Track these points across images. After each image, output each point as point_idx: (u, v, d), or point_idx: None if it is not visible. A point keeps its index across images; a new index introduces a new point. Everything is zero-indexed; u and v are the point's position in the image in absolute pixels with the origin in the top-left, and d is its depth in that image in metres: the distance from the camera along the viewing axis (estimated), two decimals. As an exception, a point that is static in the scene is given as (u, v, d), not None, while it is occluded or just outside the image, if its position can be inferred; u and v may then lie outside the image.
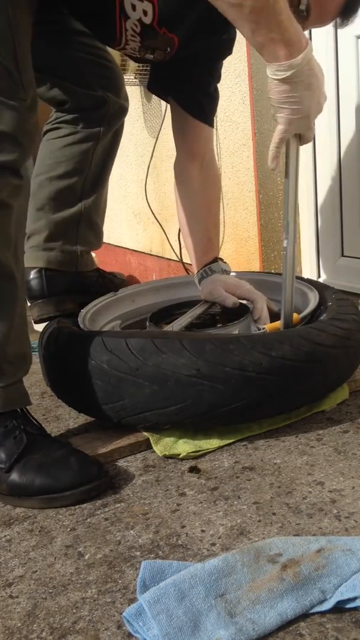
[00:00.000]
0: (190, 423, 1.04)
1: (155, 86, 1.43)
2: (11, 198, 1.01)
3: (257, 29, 0.98)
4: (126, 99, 1.63)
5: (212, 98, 1.43)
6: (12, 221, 1.03)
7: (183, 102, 1.38)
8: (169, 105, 1.44)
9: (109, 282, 1.74)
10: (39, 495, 0.95)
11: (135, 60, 1.34)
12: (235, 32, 1.38)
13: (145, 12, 1.14)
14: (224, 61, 1.42)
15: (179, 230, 1.94)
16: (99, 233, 1.72)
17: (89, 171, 1.61)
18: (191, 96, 1.38)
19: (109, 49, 1.46)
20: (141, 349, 1.03)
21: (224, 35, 1.32)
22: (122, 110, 1.62)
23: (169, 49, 1.24)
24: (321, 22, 1.20)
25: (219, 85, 1.44)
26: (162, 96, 1.45)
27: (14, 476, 0.96)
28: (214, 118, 1.45)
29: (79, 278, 1.67)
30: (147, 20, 1.15)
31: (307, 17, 1.15)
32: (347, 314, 1.17)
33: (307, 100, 1.03)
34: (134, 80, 2.07)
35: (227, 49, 1.39)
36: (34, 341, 1.20)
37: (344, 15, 1.17)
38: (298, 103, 1.03)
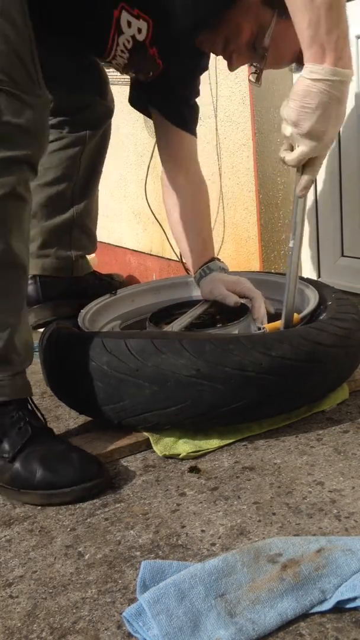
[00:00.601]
0: (190, 423, 1.04)
1: (137, 101, 1.45)
2: (27, 192, 1.03)
3: (317, 23, 0.92)
4: (112, 101, 1.64)
5: (192, 109, 1.45)
6: (27, 214, 1.04)
7: (166, 112, 1.41)
8: None
9: (107, 284, 1.74)
10: (40, 489, 0.96)
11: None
12: (209, 56, 1.40)
13: (139, 30, 1.17)
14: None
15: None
16: (92, 237, 1.72)
17: (78, 176, 1.62)
18: (173, 107, 1.40)
19: None
20: (141, 349, 1.03)
21: (201, 60, 1.36)
22: (108, 112, 1.63)
23: (151, 73, 1.28)
24: (277, 65, 1.24)
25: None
26: (145, 111, 1.46)
27: (17, 466, 0.97)
28: (195, 128, 1.47)
29: (75, 282, 1.67)
30: (141, 37, 1.18)
31: (262, 59, 1.19)
32: (347, 313, 1.17)
33: (322, 117, 0.96)
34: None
35: (203, 68, 1.42)
36: (35, 342, 1.20)
37: (300, 62, 1.09)
38: (313, 111, 0.96)
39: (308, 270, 1.93)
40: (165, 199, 1.47)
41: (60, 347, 1.14)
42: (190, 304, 1.43)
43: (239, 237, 1.93)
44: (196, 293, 1.46)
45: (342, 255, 1.83)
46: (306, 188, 1.08)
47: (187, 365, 1.00)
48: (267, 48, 1.17)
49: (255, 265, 1.88)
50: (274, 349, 1.02)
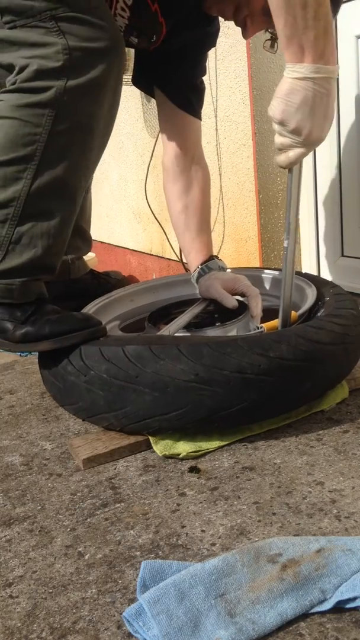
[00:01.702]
0: (192, 427, 1.04)
1: (140, 80, 1.43)
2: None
3: (294, 23, 0.92)
4: None
5: (198, 90, 1.42)
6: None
7: (170, 94, 1.38)
8: None
9: (105, 283, 1.74)
10: (51, 338, 1.12)
11: None
12: (219, 24, 1.37)
13: None
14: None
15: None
16: (86, 238, 1.72)
17: None
18: (178, 89, 1.38)
19: None
20: (138, 356, 1.03)
21: (209, 27, 1.32)
22: None
23: (154, 37, 1.24)
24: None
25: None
26: (149, 91, 1.44)
27: (28, 327, 1.13)
28: (201, 111, 1.44)
29: (72, 284, 1.67)
30: None
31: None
32: (345, 308, 1.17)
33: (308, 113, 0.96)
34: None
35: (211, 41, 1.39)
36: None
37: None
38: (297, 109, 0.96)
39: (308, 271, 1.94)
40: (165, 185, 1.44)
41: (61, 354, 1.14)
42: (188, 302, 1.43)
43: (238, 237, 1.93)
44: (195, 292, 1.46)
45: (342, 255, 1.83)
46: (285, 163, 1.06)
47: (186, 370, 1.00)
48: None
49: (255, 265, 1.88)
50: (272, 350, 1.02)
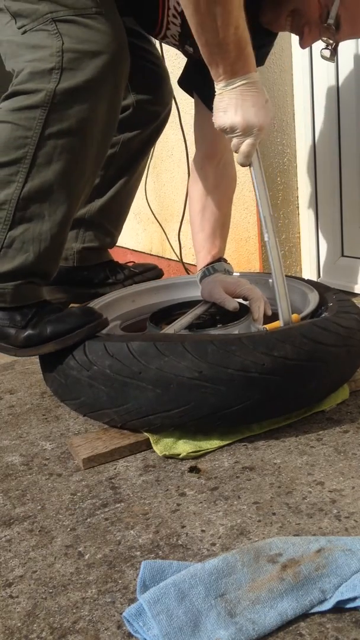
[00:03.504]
0: (194, 425, 1.04)
1: (184, 82, 1.43)
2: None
3: (207, 44, 1.01)
4: (162, 103, 1.58)
5: None
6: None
7: (205, 98, 1.38)
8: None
9: (111, 276, 1.71)
10: (53, 339, 1.12)
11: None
12: (272, 46, 1.38)
13: None
14: None
15: (179, 230, 1.94)
16: (105, 234, 1.68)
17: (103, 178, 1.60)
18: (213, 90, 1.38)
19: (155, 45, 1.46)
20: (143, 352, 1.03)
21: (267, 39, 1.32)
22: (152, 116, 1.58)
23: None
24: (355, 33, 1.19)
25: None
26: (190, 93, 1.44)
27: (29, 330, 1.14)
28: None
29: (74, 271, 1.66)
30: None
31: (337, 31, 1.14)
32: (349, 313, 1.17)
33: (233, 113, 1.05)
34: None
35: (259, 57, 1.37)
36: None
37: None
38: (224, 114, 1.06)
39: (308, 271, 1.94)
40: (190, 185, 1.46)
41: (63, 351, 1.14)
42: (190, 304, 1.43)
43: (239, 237, 1.93)
44: (196, 293, 1.46)
45: (342, 255, 1.83)
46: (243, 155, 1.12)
47: (190, 367, 1.00)
48: (340, 17, 1.12)
49: (255, 264, 1.88)
50: (276, 349, 1.02)
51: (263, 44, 1.34)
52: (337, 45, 1.19)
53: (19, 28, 1.10)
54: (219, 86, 1.06)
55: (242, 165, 1.13)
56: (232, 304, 1.31)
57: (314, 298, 1.29)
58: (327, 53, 1.20)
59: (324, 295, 1.30)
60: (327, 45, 1.19)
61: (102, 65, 1.08)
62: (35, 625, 0.72)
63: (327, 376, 1.08)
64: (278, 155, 1.85)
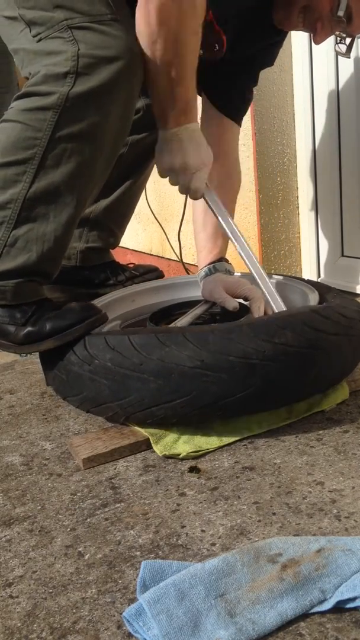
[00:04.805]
0: (197, 415, 1.04)
1: None
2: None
3: (159, 100, 1.15)
4: None
5: (244, 99, 1.43)
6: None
7: (214, 97, 1.38)
8: None
9: (112, 277, 1.71)
10: (52, 336, 1.12)
11: None
12: (281, 46, 1.38)
13: None
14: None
15: (179, 230, 1.94)
16: (109, 234, 1.68)
17: (110, 178, 1.60)
18: (223, 93, 1.38)
19: None
20: (144, 344, 1.03)
21: (277, 37, 1.33)
22: None
23: (217, 46, 1.23)
24: None
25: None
26: (197, 91, 1.44)
27: (29, 327, 1.14)
28: (242, 118, 1.44)
29: (75, 270, 1.66)
30: None
31: (349, 24, 1.15)
32: (350, 307, 1.17)
33: (179, 154, 1.19)
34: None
35: (269, 59, 1.40)
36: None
37: None
38: (170, 153, 1.19)
39: (308, 271, 1.94)
40: None
41: (64, 347, 1.14)
42: (190, 304, 1.43)
43: (239, 237, 1.92)
44: (196, 293, 1.46)
45: (342, 255, 1.83)
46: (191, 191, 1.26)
47: (191, 356, 1.00)
48: (352, 9, 1.12)
49: (255, 265, 1.88)
50: (277, 336, 1.02)
51: (273, 42, 1.34)
52: (352, 40, 1.19)
53: (34, 36, 1.11)
54: (165, 132, 1.18)
55: (195, 199, 1.26)
56: (232, 303, 1.31)
57: (314, 298, 1.29)
58: (342, 48, 1.20)
59: (324, 295, 1.30)
60: (340, 40, 1.19)
61: (117, 71, 1.08)
62: (35, 625, 0.72)
63: (329, 365, 1.08)
64: (278, 155, 1.85)
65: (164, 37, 1.07)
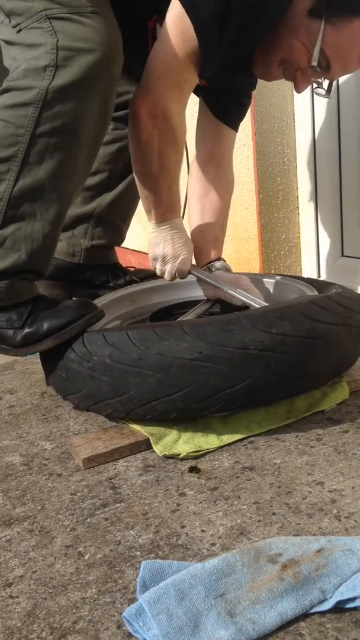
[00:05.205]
0: (197, 408, 1.03)
1: None
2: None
3: (145, 200, 1.30)
4: None
5: (242, 104, 1.44)
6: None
7: (210, 103, 1.39)
8: None
9: (112, 280, 1.70)
10: (50, 335, 1.13)
11: None
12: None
13: None
14: None
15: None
16: (115, 231, 1.68)
17: (111, 171, 1.60)
18: (220, 97, 1.39)
19: None
20: (142, 338, 1.03)
21: (250, 78, 1.35)
22: None
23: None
24: (346, 70, 1.20)
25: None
26: (195, 91, 1.45)
27: (26, 329, 1.15)
28: (239, 124, 1.45)
29: (78, 269, 1.66)
30: None
31: (327, 71, 1.16)
32: (348, 298, 1.17)
33: (161, 246, 1.33)
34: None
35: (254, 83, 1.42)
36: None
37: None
38: (156, 245, 1.35)
39: (308, 271, 1.94)
40: (189, 186, 1.48)
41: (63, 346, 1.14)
42: (190, 304, 1.43)
43: (239, 237, 1.93)
44: (196, 293, 1.46)
45: (342, 255, 1.83)
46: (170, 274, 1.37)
47: (190, 348, 1.00)
48: (328, 57, 1.14)
49: (255, 265, 1.88)
50: (275, 326, 1.02)
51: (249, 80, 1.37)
52: (331, 83, 1.22)
53: (14, 27, 1.10)
54: (152, 226, 1.32)
55: (182, 278, 1.37)
56: (238, 300, 1.32)
57: (310, 293, 1.29)
58: (321, 91, 1.22)
59: (323, 290, 1.30)
60: (318, 85, 1.21)
61: (95, 63, 1.07)
62: (35, 625, 0.72)
63: (328, 355, 1.07)
64: (278, 155, 1.85)
65: (149, 154, 1.23)
